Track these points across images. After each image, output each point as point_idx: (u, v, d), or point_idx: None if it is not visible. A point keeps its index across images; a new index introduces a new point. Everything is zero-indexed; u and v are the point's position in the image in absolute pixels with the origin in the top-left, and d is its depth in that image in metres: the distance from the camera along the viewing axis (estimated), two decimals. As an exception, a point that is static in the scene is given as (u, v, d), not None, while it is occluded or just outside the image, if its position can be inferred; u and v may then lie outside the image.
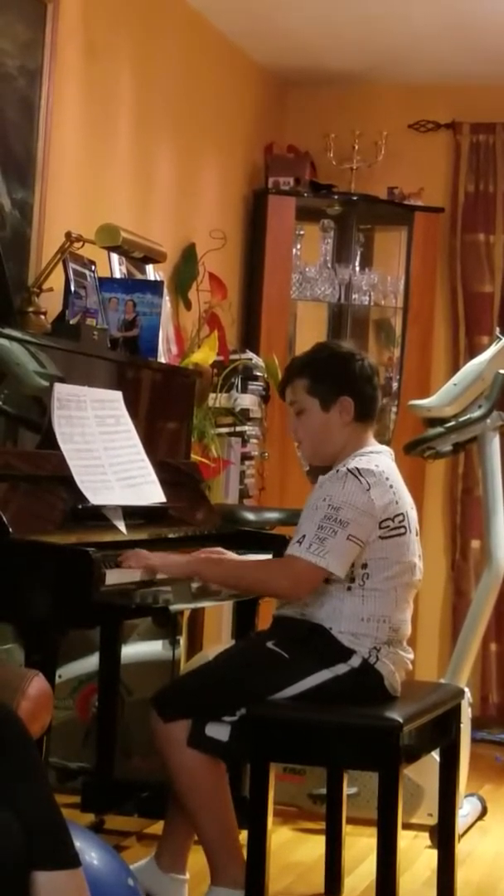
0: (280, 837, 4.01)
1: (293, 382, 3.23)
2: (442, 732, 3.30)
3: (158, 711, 3.07)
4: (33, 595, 2.85)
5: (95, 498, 3.20)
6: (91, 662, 3.92)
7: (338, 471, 3.09)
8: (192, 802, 3.07)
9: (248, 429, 4.99)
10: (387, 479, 3.10)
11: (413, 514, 3.17)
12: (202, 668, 3.32)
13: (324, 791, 3.48)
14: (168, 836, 3.21)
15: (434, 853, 3.42)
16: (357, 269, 5.77)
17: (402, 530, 3.11)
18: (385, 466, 3.13)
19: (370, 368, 3.23)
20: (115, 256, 4.13)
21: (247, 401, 4.99)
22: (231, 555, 3.34)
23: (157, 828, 3.39)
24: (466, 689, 3.92)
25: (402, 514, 3.11)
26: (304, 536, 3.03)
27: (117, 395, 3.56)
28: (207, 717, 3.04)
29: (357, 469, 3.07)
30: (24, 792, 2.27)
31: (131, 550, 3.08)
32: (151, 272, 4.39)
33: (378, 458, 3.15)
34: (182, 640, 4.16)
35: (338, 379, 3.19)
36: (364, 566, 3.06)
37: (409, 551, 3.13)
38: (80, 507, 3.16)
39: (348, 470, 3.07)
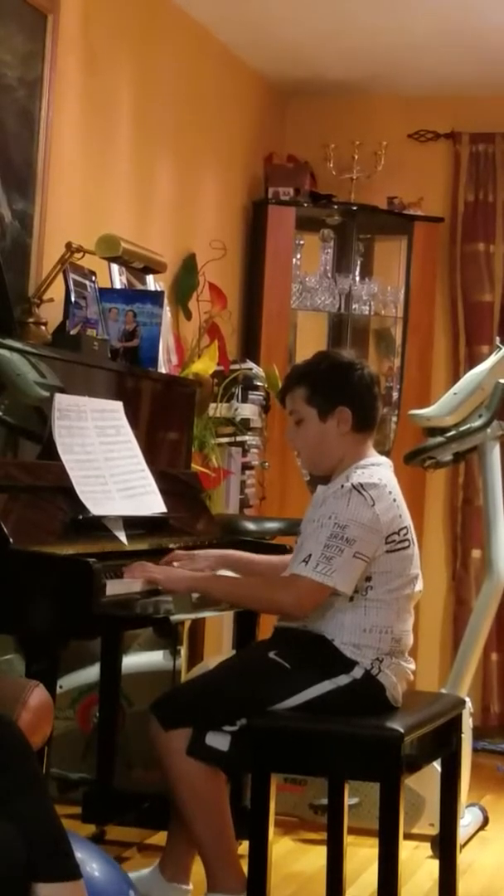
0: (281, 848, 4.00)
1: (292, 391, 3.22)
2: (443, 742, 3.29)
3: (159, 720, 3.07)
4: (34, 606, 2.85)
5: (96, 508, 3.20)
6: (92, 673, 3.92)
7: (342, 486, 3.07)
8: (191, 810, 3.07)
9: (248, 438, 4.99)
10: (390, 492, 3.09)
11: (412, 526, 3.17)
12: (203, 676, 3.32)
13: (325, 801, 3.48)
14: (171, 846, 3.21)
15: (435, 863, 3.41)
16: (357, 278, 5.78)
17: (406, 543, 3.10)
18: (387, 480, 3.12)
19: (370, 378, 3.20)
20: (115, 267, 4.13)
21: (247, 410, 4.99)
22: (243, 555, 3.35)
23: (158, 838, 3.39)
24: (467, 699, 3.91)
25: (405, 527, 3.10)
26: (309, 556, 3.01)
27: (118, 406, 3.56)
28: (207, 727, 3.03)
29: (361, 484, 3.05)
30: (24, 803, 2.27)
31: (136, 562, 3.08)
32: (151, 282, 4.40)
33: (380, 470, 3.14)
34: (183, 650, 4.16)
35: (336, 389, 3.17)
36: (368, 579, 3.05)
37: (412, 564, 3.13)
38: (80, 517, 3.16)
39: (352, 486, 3.05)
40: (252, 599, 3.22)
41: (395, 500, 3.09)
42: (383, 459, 3.21)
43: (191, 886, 3.20)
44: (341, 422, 3.15)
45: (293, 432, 3.23)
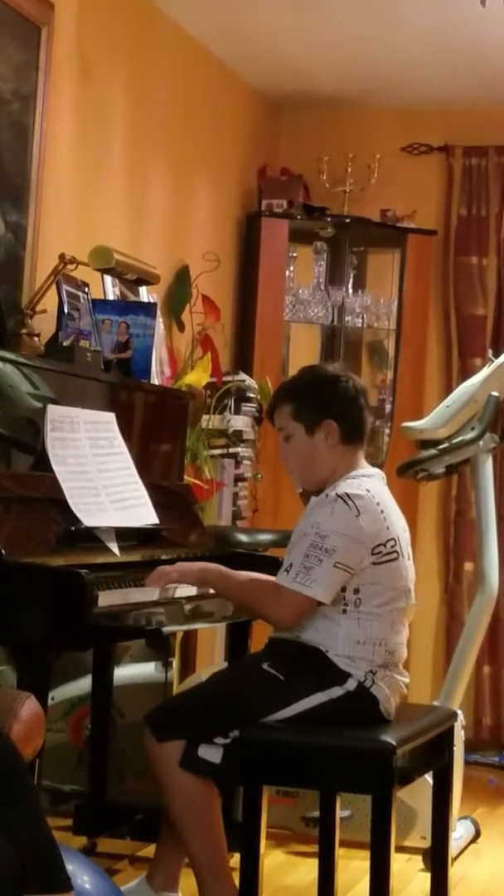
0: (273, 861, 3.99)
1: (279, 408, 3.23)
2: (435, 755, 3.29)
3: (152, 731, 3.06)
4: (26, 617, 2.85)
5: (89, 520, 3.20)
6: (84, 685, 3.91)
7: (327, 495, 3.08)
8: (183, 822, 3.06)
9: (241, 450, 5.00)
10: (377, 503, 3.08)
11: (405, 538, 3.16)
12: (196, 688, 3.32)
13: (317, 814, 3.47)
14: (160, 855, 3.21)
15: (427, 876, 3.41)
16: (350, 291, 5.79)
17: (395, 555, 3.10)
18: (376, 490, 3.12)
19: (355, 390, 3.20)
20: (108, 278, 4.14)
21: (240, 422, 4.99)
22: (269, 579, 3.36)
23: (150, 851, 3.38)
24: (459, 712, 3.91)
25: (393, 538, 3.10)
26: (291, 565, 3.03)
27: (110, 417, 3.56)
28: (201, 739, 3.03)
29: (346, 494, 3.06)
30: (16, 815, 2.27)
31: (155, 570, 3.12)
32: (145, 294, 4.40)
33: (368, 481, 3.14)
34: (175, 662, 4.15)
35: (321, 403, 3.18)
36: (356, 591, 3.05)
37: (402, 576, 3.12)
38: (73, 528, 3.16)
39: (337, 495, 3.06)
40: (246, 603, 3.23)
41: (382, 511, 3.09)
42: (374, 471, 3.22)
43: (179, 895, 3.20)
44: (329, 435, 3.16)
45: (283, 449, 3.24)
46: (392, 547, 3.09)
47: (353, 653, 3.04)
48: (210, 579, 3.18)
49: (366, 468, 3.20)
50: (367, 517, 3.05)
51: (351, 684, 3.04)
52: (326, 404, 3.17)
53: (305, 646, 3.07)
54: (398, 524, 3.14)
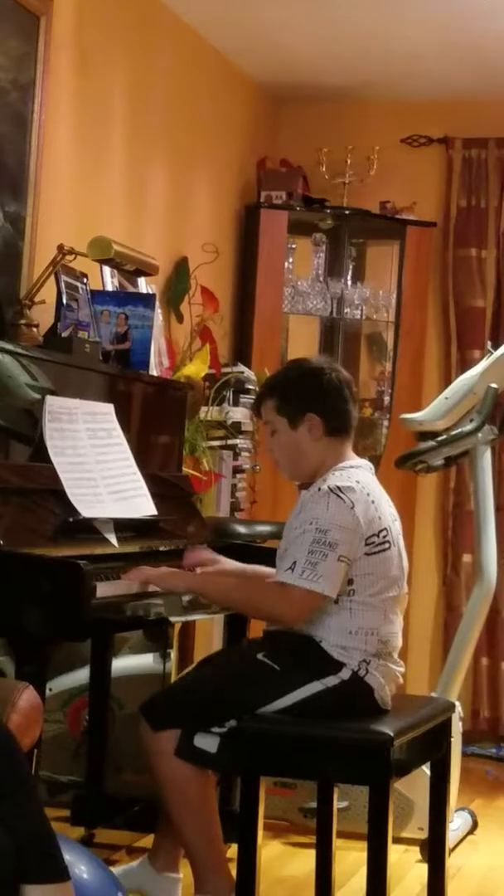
0: (270, 851, 4.00)
1: (264, 403, 3.24)
2: (432, 746, 3.29)
3: (148, 721, 3.07)
4: (24, 607, 2.85)
5: (87, 511, 3.20)
6: (82, 675, 3.92)
7: (319, 489, 3.08)
8: (179, 812, 3.07)
9: (239, 442, 4.99)
10: (367, 494, 3.09)
11: (396, 527, 3.16)
12: (192, 677, 3.32)
13: (314, 805, 3.48)
14: (161, 837, 3.22)
15: (424, 867, 3.42)
16: (349, 283, 5.79)
17: (387, 545, 3.10)
18: (365, 481, 3.12)
19: (339, 382, 3.20)
20: (107, 269, 4.13)
21: (238, 414, 4.99)
22: (222, 560, 3.36)
23: (148, 842, 3.39)
24: (457, 703, 3.92)
25: (385, 528, 3.10)
26: (295, 562, 3.02)
27: (109, 408, 3.56)
28: (196, 728, 3.04)
29: (338, 487, 3.06)
30: (13, 805, 2.27)
31: (135, 567, 3.11)
32: (143, 285, 4.40)
33: (357, 472, 3.14)
34: (173, 653, 4.16)
35: (303, 396, 3.18)
36: (350, 582, 3.05)
37: (394, 566, 3.12)
38: (71, 519, 3.16)
39: (329, 489, 3.06)
40: (247, 606, 3.26)
41: (373, 501, 3.09)
42: (362, 462, 3.22)
43: (181, 874, 3.21)
44: (312, 428, 3.17)
45: (270, 443, 3.25)
46: (384, 537, 3.09)
47: (345, 643, 3.05)
48: (204, 588, 3.19)
49: (354, 459, 3.21)
50: (361, 508, 3.05)
51: (345, 673, 3.05)
52: (308, 398, 3.18)
53: (299, 636, 3.08)
54: (388, 514, 3.15)
